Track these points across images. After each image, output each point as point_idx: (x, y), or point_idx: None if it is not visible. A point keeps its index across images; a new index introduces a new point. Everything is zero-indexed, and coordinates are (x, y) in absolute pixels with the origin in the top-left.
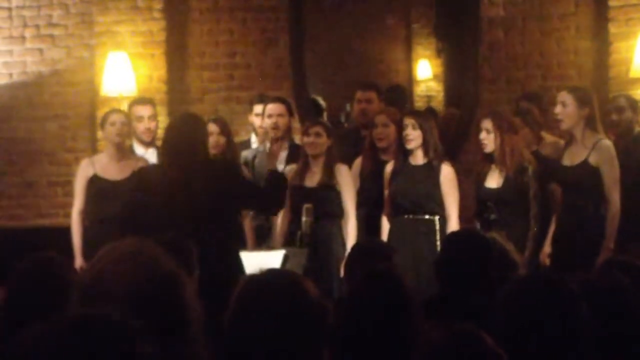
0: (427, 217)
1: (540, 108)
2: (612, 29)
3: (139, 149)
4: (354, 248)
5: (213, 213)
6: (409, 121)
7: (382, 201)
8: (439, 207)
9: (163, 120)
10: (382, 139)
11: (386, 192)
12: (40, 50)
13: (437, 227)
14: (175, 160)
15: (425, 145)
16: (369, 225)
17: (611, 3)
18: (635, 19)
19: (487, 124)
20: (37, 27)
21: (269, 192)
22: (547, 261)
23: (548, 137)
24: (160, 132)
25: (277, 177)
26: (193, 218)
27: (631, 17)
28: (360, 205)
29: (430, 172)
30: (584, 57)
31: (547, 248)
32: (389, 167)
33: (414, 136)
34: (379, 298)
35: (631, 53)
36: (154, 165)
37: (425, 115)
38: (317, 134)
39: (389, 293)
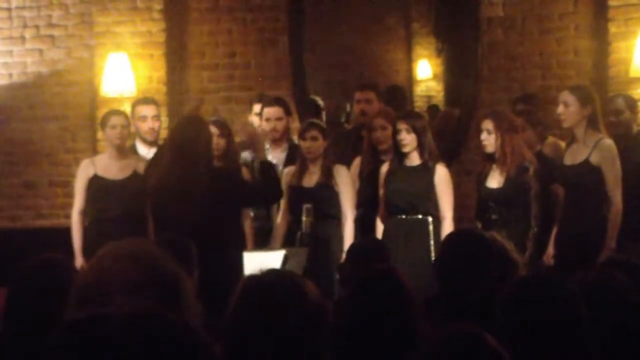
0: (420, 217)
1: (537, 109)
2: (612, 28)
3: (142, 149)
4: (350, 248)
5: (213, 217)
6: (402, 126)
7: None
8: (434, 208)
9: (163, 121)
10: (382, 142)
11: (381, 192)
12: (40, 51)
13: (431, 227)
14: (178, 165)
15: (420, 147)
16: (364, 226)
17: (611, 3)
18: (634, 18)
19: (487, 124)
20: (37, 27)
21: (264, 185)
22: (552, 262)
23: (548, 138)
24: (163, 132)
25: (267, 168)
26: (193, 221)
27: (631, 17)
28: (359, 205)
29: (425, 172)
30: (584, 56)
31: (550, 249)
32: (384, 168)
33: (408, 140)
34: (380, 298)
35: (631, 53)
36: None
37: (418, 117)
38: (314, 138)
39: (390, 293)
